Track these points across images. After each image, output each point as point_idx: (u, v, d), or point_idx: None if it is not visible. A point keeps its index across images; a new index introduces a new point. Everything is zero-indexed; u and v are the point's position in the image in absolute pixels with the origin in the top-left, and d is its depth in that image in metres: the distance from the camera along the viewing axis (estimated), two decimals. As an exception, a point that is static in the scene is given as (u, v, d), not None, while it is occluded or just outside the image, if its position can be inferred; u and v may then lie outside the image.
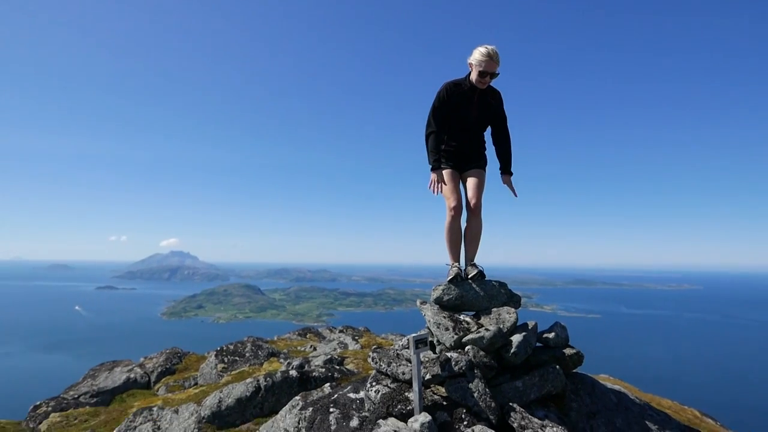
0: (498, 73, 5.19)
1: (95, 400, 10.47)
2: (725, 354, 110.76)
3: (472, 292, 5.30)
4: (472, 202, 5.54)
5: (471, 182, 5.63)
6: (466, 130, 5.60)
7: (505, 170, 5.71)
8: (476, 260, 5.62)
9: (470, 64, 5.21)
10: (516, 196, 5.79)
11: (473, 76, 5.21)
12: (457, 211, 5.46)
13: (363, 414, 4.45)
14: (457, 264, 5.53)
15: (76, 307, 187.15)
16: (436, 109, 5.42)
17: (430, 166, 5.45)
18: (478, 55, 5.08)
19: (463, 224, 5.63)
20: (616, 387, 6.13)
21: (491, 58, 5.03)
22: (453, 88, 5.35)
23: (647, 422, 5.24)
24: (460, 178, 5.71)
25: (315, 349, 12.77)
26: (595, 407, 5.08)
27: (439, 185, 5.40)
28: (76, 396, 10.49)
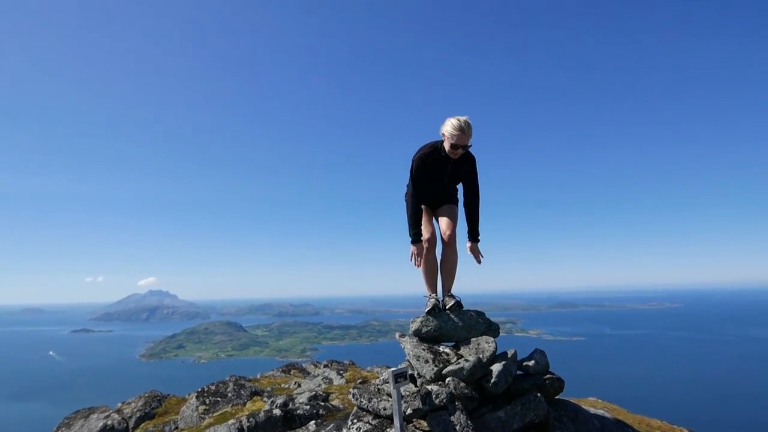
0: (470, 145, 5.21)
1: (70, 450, 10.08)
2: (709, 370, 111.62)
3: (450, 323, 5.34)
4: (446, 234, 5.64)
5: (444, 216, 5.75)
6: (437, 191, 5.70)
7: (473, 237, 5.68)
8: (454, 290, 5.68)
9: (443, 135, 5.20)
10: (480, 263, 5.72)
11: (446, 146, 5.20)
12: (431, 243, 5.56)
13: (346, 453, 4.40)
14: (434, 295, 5.60)
15: (51, 353, 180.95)
16: (415, 179, 5.41)
17: (411, 239, 5.46)
18: (449, 127, 5.06)
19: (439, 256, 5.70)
20: (599, 411, 6.15)
21: (463, 132, 5.01)
22: (429, 154, 5.34)
23: (631, 446, 5.26)
24: (432, 213, 5.83)
25: (299, 385, 12.53)
26: (578, 434, 5.09)
27: (420, 258, 5.44)
28: (50, 447, 10.09)
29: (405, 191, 5.90)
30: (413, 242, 5.44)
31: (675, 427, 8.83)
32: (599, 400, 9.53)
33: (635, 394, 75.37)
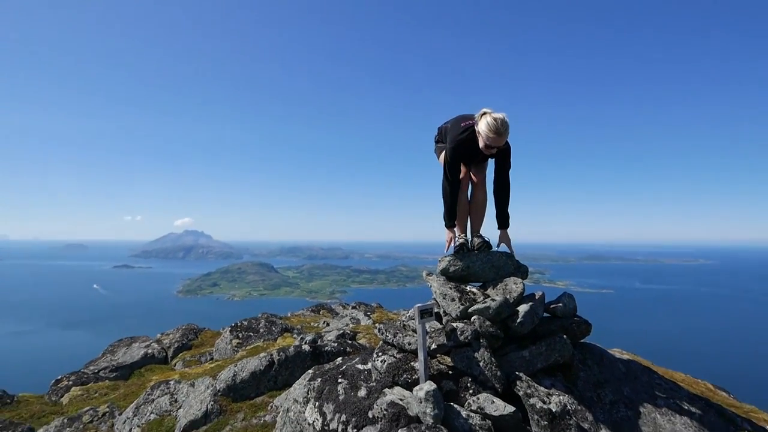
0: (505, 145, 4.97)
1: (115, 374, 10.73)
2: (739, 328, 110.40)
3: (478, 263, 5.30)
4: (477, 176, 5.58)
5: (476, 165, 5.63)
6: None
7: (503, 224, 5.48)
8: (484, 233, 5.64)
9: (477, 131, 4.84)
10: (512, 252, 5.57)
11: (479, 143, 4.88)
12: (463, 183, 5.46)
13: (370, 384, 4.52)
14: (463, 235, 5.57)
15: (95, 286, 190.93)
16: (450, 166, 5.15)
17: (445, 224, 5.41)
18: (485, 127, 4.68)
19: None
20: (625, 357, 6.15)
21: (498, 134, 4.66)
22: (463, 142, 5.03)
23: (656, 391, 5.24)
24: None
25: (328, 324, 12.94)
26: (602, 376, 5.09)
27: (451, 244, 5.44)
28: (96, 371, 10.76)
29: (435, 140, 5.82)
30: (447, 227, 5.41)
31: (699, 380, 8.80)
32: (624, 352, 9.51)
33: (661, 348, 75.28)
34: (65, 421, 7.70)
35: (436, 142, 5.79)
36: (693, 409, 5.04)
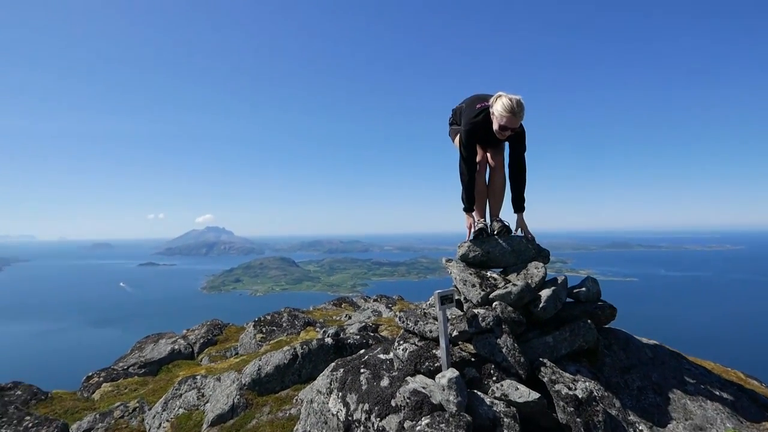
0: (520, 127, 4.86)
1: (143, 370, 10.92)
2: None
3: (498, 248, 5.22)
4: (494, 159, 5.47)
5: (492, 147, 5.54)
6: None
7: (519, 208, 5.40)
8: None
9: (492, 113, 4.80)
10: (529, 237, 5.47)
11: (494, 126, 4.83)
12: (480, 166, 5.39)
13: (393, 373, 4.49)
14: (482, 220, 5.48)
15: (121, 284, 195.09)
16: (467, 147, 5.09)
17: (463, 208, 5.37)
18: (500, 107, 4.64)
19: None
20: (652, 342, 6.03)
21: (514, 114, 4.60)
22: (480, 124, 4.96)
23: (685, 377, 5.12)
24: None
25: (350, 317, 13.00)
26: (629, 362, 5.00)
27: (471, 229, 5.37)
28: (125, 367, 10.96)
29: (449, 122, 5.77)
30: (465, 211, 5.36)
31: (729, 369, 8.58)
32: (650, 341, 9.32)
33: (690, 337, 73.80)
34: (97, 416, 7.86)
35: (451, 124, 5.74)
36: (725, 395, 4.92)
